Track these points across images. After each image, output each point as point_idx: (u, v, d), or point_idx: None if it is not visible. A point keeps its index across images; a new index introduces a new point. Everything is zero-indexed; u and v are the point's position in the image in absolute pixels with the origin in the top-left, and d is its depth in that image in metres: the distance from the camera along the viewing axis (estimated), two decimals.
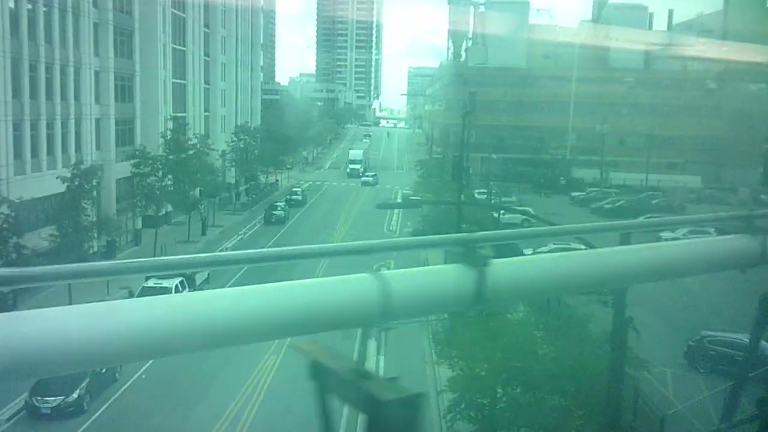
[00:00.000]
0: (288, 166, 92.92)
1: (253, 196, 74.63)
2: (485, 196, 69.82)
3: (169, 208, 57.79)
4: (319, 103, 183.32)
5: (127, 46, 51.69)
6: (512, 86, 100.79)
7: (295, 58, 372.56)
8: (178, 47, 64.68)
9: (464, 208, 55.37)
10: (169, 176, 47.77)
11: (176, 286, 34.77)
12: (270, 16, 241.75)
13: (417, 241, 3.50)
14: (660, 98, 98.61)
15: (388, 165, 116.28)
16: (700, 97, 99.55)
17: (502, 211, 68.61)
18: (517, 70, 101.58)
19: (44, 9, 39.40)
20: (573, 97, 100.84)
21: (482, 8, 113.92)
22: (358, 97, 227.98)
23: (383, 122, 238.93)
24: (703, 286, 37.92)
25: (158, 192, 46.61)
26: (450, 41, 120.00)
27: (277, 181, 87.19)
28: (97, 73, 46.42)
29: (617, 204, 76.59)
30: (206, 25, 75.61)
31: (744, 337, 31.47)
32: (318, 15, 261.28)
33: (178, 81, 64.49)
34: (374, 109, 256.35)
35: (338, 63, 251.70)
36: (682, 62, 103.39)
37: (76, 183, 35.61)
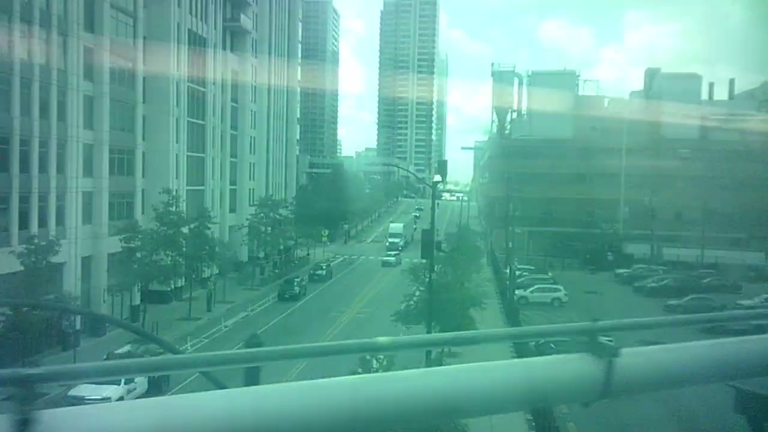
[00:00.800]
0: (323, 239, 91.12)
1: (277, 270, 72.78)
2: (515, 272, 66.01)
3: (179, 283, 56.43)
4: (377, 177, 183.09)
5: (128, 120, 51.16)
6: (558, 158, 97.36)
7: (365, 133, 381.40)
8: (195, 121, 64.28)
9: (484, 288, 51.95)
10: (160, 251, 46.12)
11: None
12: (333, 95, 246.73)
13: (533, 331, 3.60)
14: (719, 170, 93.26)
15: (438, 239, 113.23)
16: (765, 170, 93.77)
17: (530, 290, 65.28)
18: (563, 141, 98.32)
19: (21, 82, 38.91)
20: (624, 169, 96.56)
21: (526, 80, 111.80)
22: (417, 170, 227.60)
23: (446, 195, 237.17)
24: None
25: (148, 268, 44.92)
26: (494, 114, 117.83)
27: (308, 255, 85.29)
28: (89, 147, 45.66)
29: (662, 283, 71.41)
30: (234, 100, 75.62)
31: None
32: (379, 93, 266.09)
33: (194, 154, 63.87)
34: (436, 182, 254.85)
35: (399, 138, 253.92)
36: (742, 134, 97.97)
37: (33, 259, 34.16)
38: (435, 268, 54.87)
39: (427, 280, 39.96)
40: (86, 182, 45.16)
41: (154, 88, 56.48)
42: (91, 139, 45.98)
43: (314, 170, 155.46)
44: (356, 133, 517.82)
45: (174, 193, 50.95)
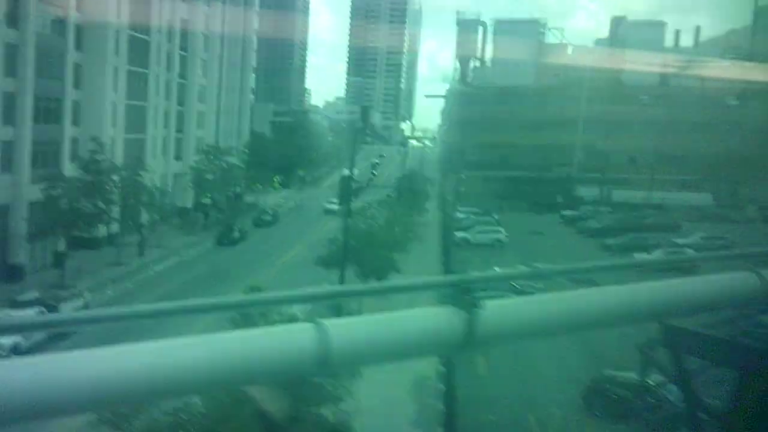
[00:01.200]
0: (275, 186, 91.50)
1: (221, 216, 73.09)
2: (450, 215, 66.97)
3: (114, 229, 56.48)
4: (343, 125, 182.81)
5: (56, 67, 50.85)
6: (518, 105, 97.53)
7: (337, 82, 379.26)
8: (137, 69, 63.78)
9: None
10: (82, 199, 46.37)
11: None
12: (302, 44, 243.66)
13: (401, 285, 3.15)
14: (676, 116, 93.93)
15: (391, 184, 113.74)
16: (720, 115, 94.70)
17: (471, 232, 66.21)
18: (524, 88, 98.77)
19: None
20: (582, 115, 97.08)
21: (491, 28, 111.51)
22: (384, 118, 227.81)
23: (414, 142, 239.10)
24: None
25: (70, 215, 45.30)
26: (457, 62, 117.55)
27: (257, 201, 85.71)
28: (10, 95, 45.48)
29: (603, 223, 72.75)
30: (183, 48, 75.02)
31: (649, 379, 27.83)
32: (350, 42, 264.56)
33: (135, 103, 63.51)
34: (403, 129, 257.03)
35: (368, 87, 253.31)
36: (701, 80, 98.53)
37: None
38: (374, 213, 55.98)
39: (347, 224, 40.49)
40: (6, 131, 45.10)
41: (91, 36, 56.03)
42: (12, 87, 45.78)
43: (278, 119, 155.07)
44: (329, 83, 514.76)
45: (102, 141, 50.95)
